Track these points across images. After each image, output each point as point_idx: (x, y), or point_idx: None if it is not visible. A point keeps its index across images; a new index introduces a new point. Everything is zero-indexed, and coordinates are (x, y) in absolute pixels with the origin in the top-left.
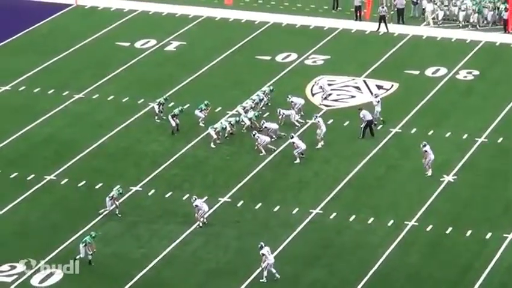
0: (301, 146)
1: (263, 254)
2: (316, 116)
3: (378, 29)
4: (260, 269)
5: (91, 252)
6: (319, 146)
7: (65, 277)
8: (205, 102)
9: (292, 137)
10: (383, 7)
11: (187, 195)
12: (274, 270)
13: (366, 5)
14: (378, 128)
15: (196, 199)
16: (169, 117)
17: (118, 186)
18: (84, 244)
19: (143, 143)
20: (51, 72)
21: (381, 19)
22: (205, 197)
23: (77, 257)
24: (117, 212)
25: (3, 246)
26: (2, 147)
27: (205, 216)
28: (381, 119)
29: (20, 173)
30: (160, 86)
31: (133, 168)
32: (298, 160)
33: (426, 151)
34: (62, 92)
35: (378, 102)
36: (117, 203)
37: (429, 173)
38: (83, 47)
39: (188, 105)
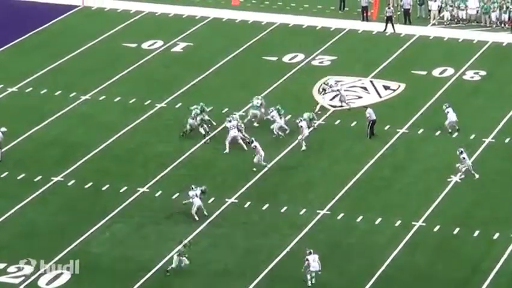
0: (305, 132)
1: (307, 260)
2: (301, 120)
3: (385, 29)
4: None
5: (186, 263)
6: (303, 148)
7: (73, 278)
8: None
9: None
10: (389, 8)
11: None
12: (309, 277)
13: (373, 6)
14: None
15: (193, 188)
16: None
17: (204, 187)
18: (178, 254)
19: (150, 144)
20: (58, 74)
21: (388, 20)
22: (212, 198)
23: (169, 267)
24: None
25: (10, 247)
26: (10, 148)
27: (204, 211)
28: (457, 127)
29: (27, 174)
30: (167, 87)
31: (140, 170)
32: (304, 147)
33: (464, 158)
34: (69, 93)
35: (448, 112)
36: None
37: (477, 175)
38: (90, 48)
39: (212, 107)
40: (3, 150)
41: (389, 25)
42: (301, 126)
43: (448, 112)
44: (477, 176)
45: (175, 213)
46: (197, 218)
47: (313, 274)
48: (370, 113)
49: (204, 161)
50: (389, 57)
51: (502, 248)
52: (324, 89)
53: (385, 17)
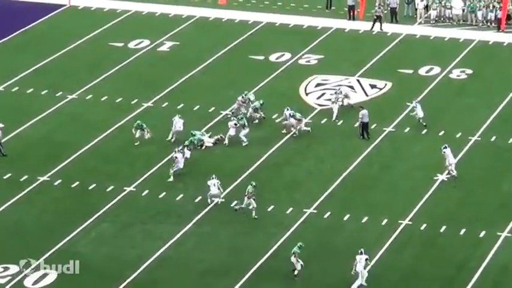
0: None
1: (355, 259)
2: (288, 109)
3: (372, 28)
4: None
5: (301, 263)
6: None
7: (59, 278)
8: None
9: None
10: (379, 7)
11: (181, 195)
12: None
13: (360, 5)
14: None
15: (213, 178)
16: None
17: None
18: (294, 255)
19: (137, 143)
20: (44, 73)
21: (378, 19)
22: (199, 197)
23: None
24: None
25: None
26: None
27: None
28: (424, 124)
29: (13, 174)
30: (154, 86)
31: (127, 169)
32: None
33: (444, 153)
34: (55, 92)
35: (416, 107)
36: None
37: (454, 173)
38: (77, 47)
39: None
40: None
41: (377, 24)
42: (287, 115)
43: (416, 107)
44: (454, 173)
45: (162, 213)
46: (209, 201)
47: (359, 275)
48: (363, 115)
49: (190, 161)
50: (376, 56)
51: (488, 246)
52: (337, 98)
53: (374, 16)
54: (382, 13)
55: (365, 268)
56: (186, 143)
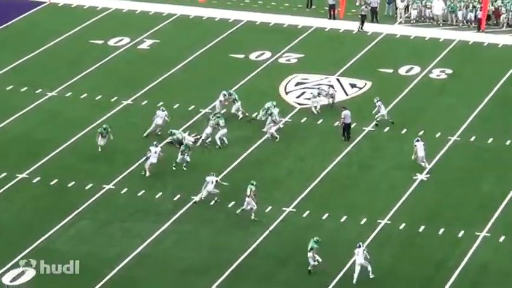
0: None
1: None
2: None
3: (361, 27)
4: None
5: (316, 260)
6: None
7: (37, 276)
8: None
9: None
10: (366, 7)
11: (160, 193)
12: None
13: (340, 4)
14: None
15: (211, 174)
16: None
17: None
18: (311, 249)
19: (116, 141)
20: (24, 70)
21: (363, 18)
22: (178, 195)
23: (310, 267)
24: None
25: None
26: None
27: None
28: (391, 120)
29: None
30: (134, 84)
31: (106, 167)
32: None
33: (415, 145)
34: (34, 89)
35: (379, 105)
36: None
37: (425, 165)
38: (56, 44)
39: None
40: None
41: (358, 23)
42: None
43: (379, 105)
44: (424, 165)
45: (141, 211)
46: (197, 199)
47: (358, 268)
48: (345, 115)
49: (170, 159)
50: (356, 55)
51: (466, 246)
52: (319, 93)
53: (359, 15)
54: (367, 12)
55: (364, 259)
56: (182, 148)
